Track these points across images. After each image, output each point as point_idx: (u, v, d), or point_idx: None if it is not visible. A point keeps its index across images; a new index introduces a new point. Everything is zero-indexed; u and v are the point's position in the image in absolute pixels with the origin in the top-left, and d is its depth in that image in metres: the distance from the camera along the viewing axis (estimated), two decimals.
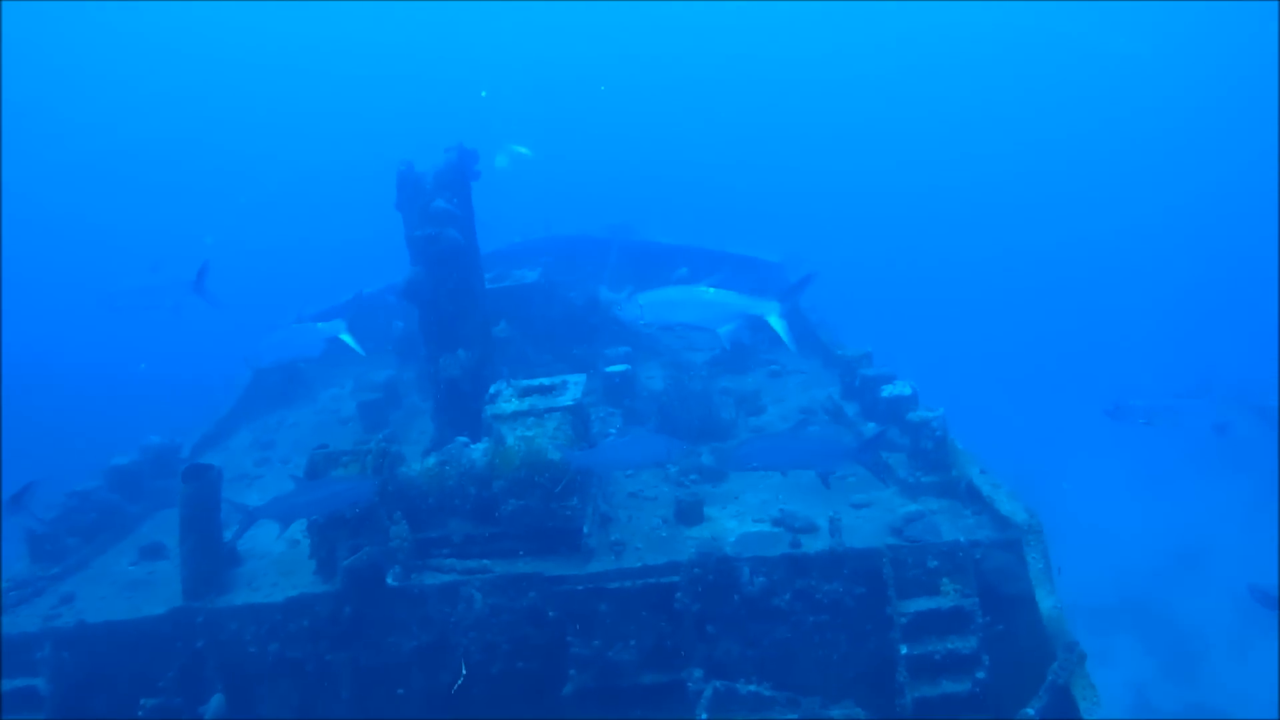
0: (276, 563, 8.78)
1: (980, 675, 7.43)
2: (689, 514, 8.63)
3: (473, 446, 8.17)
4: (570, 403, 8.25)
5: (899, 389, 9.98)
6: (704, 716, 7.35)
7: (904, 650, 7.52)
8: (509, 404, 8.38)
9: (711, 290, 8.99)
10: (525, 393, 8.68)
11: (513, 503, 7.84)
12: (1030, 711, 6.98)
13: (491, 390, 8.89)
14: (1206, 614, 19.75)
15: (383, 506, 7.93)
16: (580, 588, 7.78)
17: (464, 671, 7.55)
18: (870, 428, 9.94)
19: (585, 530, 7.98)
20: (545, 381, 8.91)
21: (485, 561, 7.94)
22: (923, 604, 7.73)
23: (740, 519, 8.77)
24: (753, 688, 7.62)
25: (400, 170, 9.81)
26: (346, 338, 10.31)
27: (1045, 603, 7.37)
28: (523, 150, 26.81)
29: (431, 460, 8.14)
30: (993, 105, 55.69)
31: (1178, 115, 51.08)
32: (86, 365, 25.18)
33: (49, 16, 55.00)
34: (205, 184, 50.93)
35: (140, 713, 7.71)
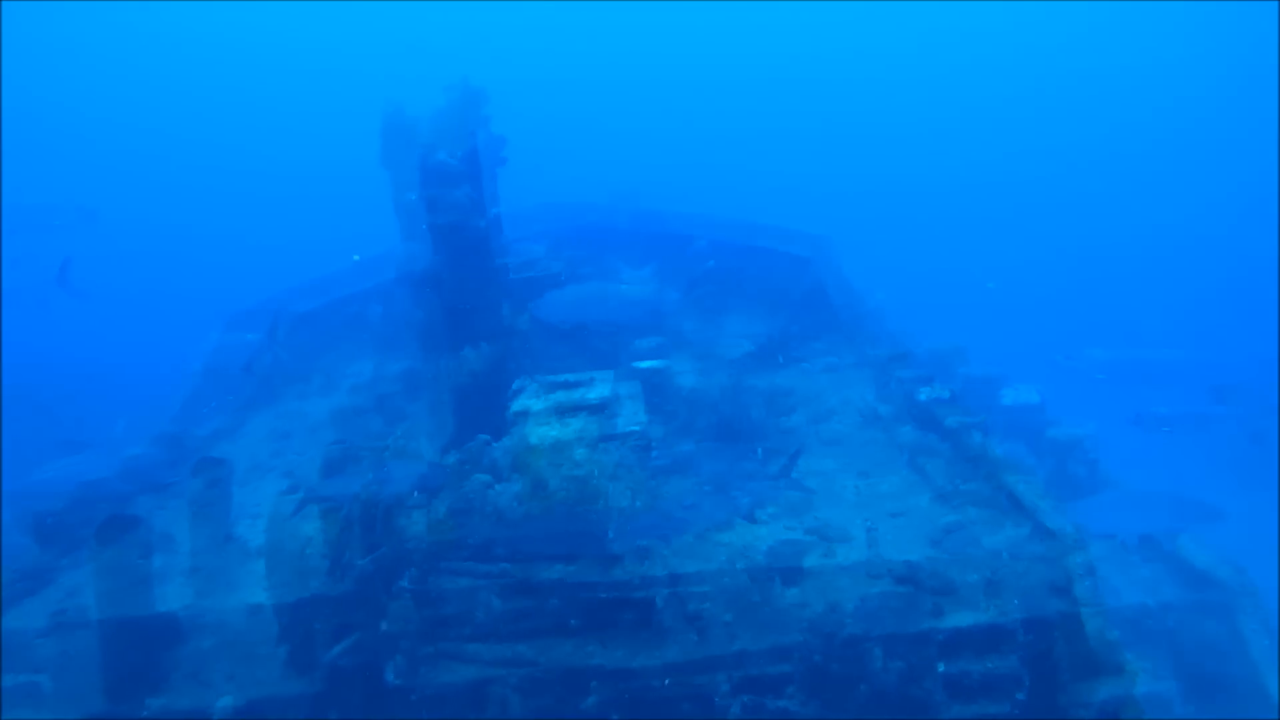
0: (232, 641, 6.56)
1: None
2: (787, 570, 6.50)
3: (499, 489, 5.98)
4: (635, 428, 6.09)
5: (1024, 396, 7.94)
6: None
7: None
8: (548, 429, 6.19)
9: (622, 287, 8.50)
10: (564, 410, 6.51)
11: (560, 569, 5.68)
12: None
13: (517, 405, 6.71)
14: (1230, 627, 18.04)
15: (378, 575, 5.74)
16: (657, 684, 5.66)
17: None
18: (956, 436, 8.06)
19: (659, 602, 5.84)
20: (589, 394, 6.74)
21: (521, 648, 5.77)
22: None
23: (851, 571, 6.70)
24: None
25: (387, 114, 7.57)
26: None
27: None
28: None
29: (442, 510, 5.94)
30: (1005, 103, 54.19)
31: (1182, 114, 49.90)
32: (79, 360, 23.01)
33: (49, 15, 53.23)
34: (205, 180, 48.78)
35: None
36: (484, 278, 7.61)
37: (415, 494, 6.17)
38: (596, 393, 6.88)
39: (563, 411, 6.50)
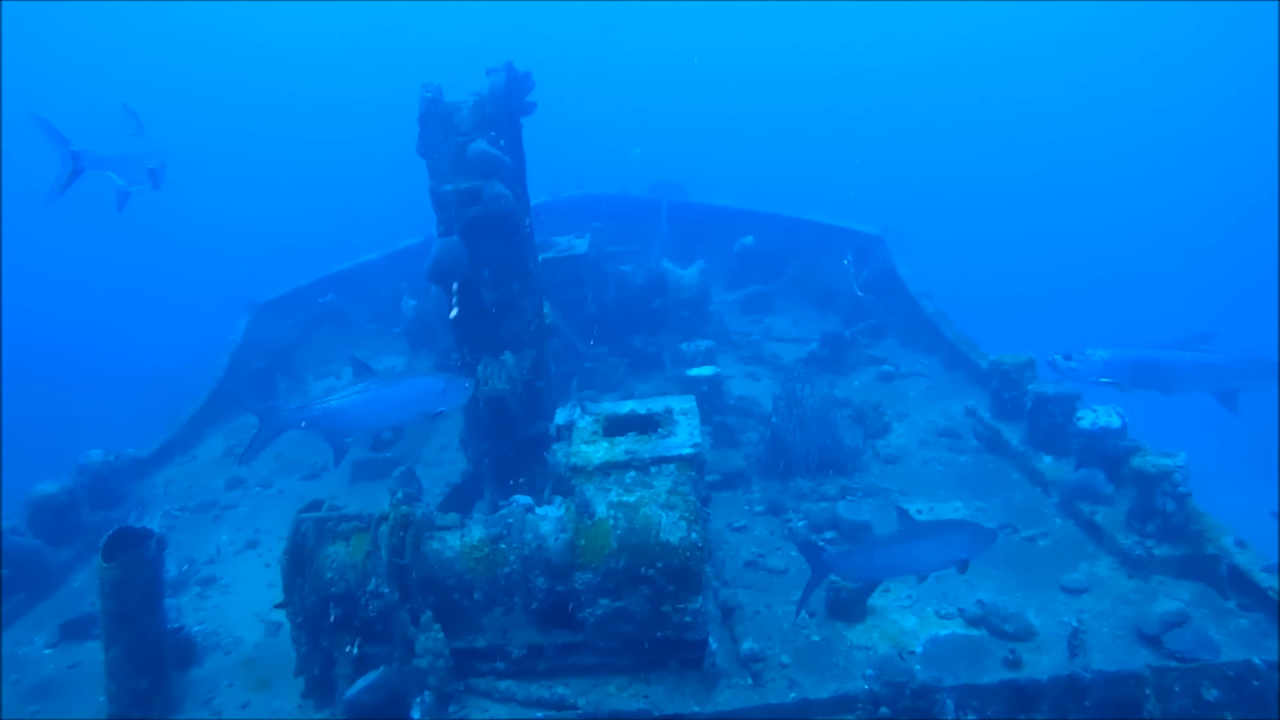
0: (248, 664, 6.13)
1: None
2: (848, 607, 5.97)
3: (539, 513, 5.46)
4: (689, 450, 5.55)
5: (1104, 419, 7.30)
6: None
7: None
8: (594, 448, 5.68)
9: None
10: (612, 427, 5.99)
11: (605, 604, 5.17)
12: None
13: (560, 419, 6.21)
14: None
15: (405, 603, 5.26)
16: None
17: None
18: (1082, 474, 7.26)
19: (712, 643, 5.32)
20: (639, 409, 6.22)
21: (560, 688, 5.27)
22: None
23: (917, 609, 6.14)
24: None
25: (425, 99, 7.05)
26: None
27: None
28: None
29: (477, 534, 5.43)
30: (1018, 102, 53.34)
31: (1183, 114, 48.95)
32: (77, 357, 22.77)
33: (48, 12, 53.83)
34: (238, 169, 48.95)
35: None
36: (524, 276, 7.09)
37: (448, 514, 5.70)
38: (648, 408, 6.35)
39: (611, 429, 5.99)
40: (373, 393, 5.49)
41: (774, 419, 8.11)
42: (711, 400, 8.71)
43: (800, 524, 7.17)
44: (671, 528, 5.11)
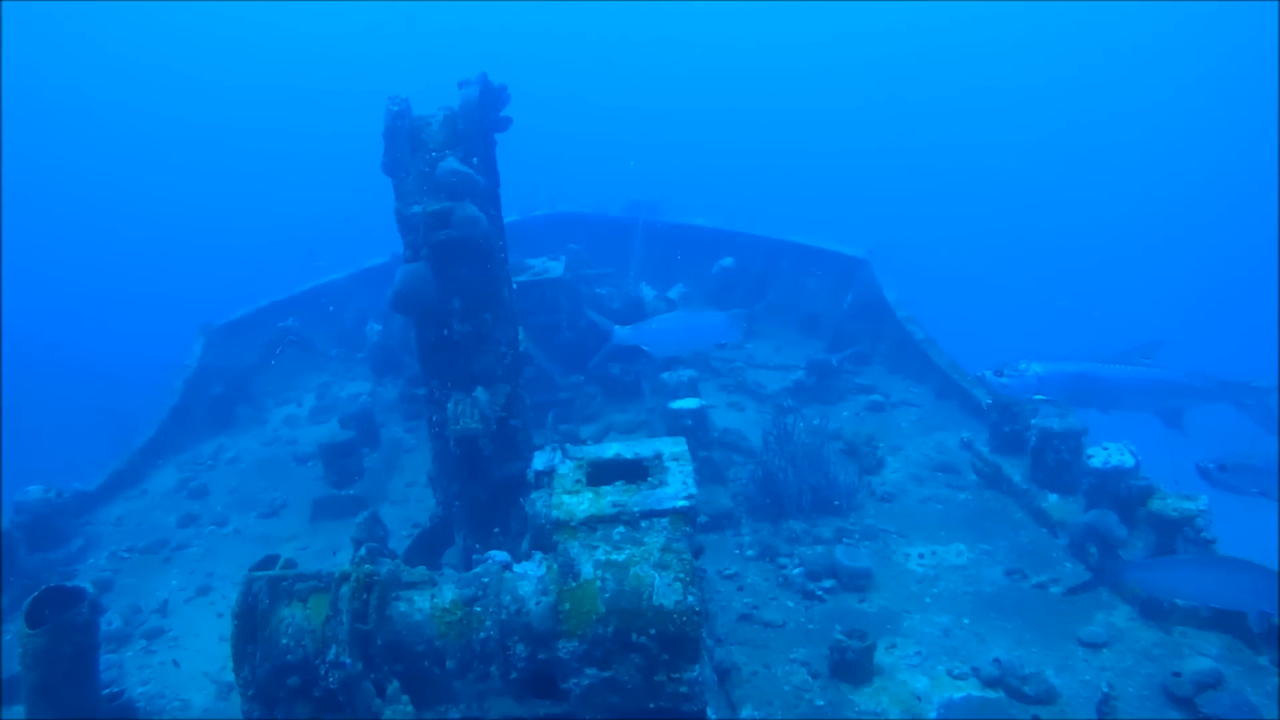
0: None
1: None
2: (854, 668, 5.48)
3: (518, 571, 4.93)
4: (683, 503, 5.05)
5: (1116, 457, 6.87)
6: None
7: None
8: (578, 499, 5.16)
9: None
10: (596, 474, 5.48)
11: (592, 674, 4.64)
12: None
13: (539, 464, 5.68)
14: None
15: (369, 673, 4.71)
16: None
17: None
18: (1092, 516, 6.81)
19: (710, 715, 4.80)
20: (625, 452, 5.71)
21: None
22: None
23: (927, 667, 5.66)
24: None
25: (392, 113, 6.52)
26: None
27: None
28: None
29: (449, 596, 4.88)
30: (1009, 107, 53.56)
31: (1182, 114, 49.35)
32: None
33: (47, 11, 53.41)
34: (203, 170, 48.22)
35: None
36: (498, 305, 6.57)
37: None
38: (635, 452, 5.84)
39: (595, 476, 5.48)
40: (680, 319, 6.37)
41: (764, 456, 7.63)
42: (696, 435, 8.17)
43: (796, 571, 6.69)
44: (665, 590, 4.59)
